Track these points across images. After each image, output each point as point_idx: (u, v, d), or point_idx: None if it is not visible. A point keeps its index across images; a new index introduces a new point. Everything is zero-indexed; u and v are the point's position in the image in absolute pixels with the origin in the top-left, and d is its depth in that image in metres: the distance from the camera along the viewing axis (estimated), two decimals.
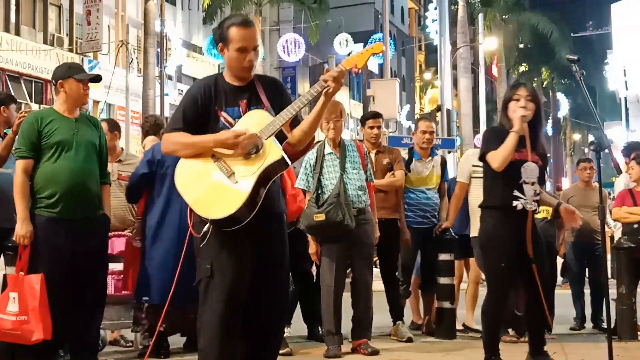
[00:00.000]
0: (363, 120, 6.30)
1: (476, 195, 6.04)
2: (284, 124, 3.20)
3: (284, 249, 3.38)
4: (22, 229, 4.25)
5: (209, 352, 3.20)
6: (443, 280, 6.13)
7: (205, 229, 3.19)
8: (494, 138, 4.37)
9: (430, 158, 6.31)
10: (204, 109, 3.29)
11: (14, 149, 4.74)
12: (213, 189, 3.18)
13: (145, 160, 5.25)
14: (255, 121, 3.21)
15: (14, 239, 4.41)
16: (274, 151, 3.14)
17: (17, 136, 4.72)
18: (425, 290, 6.42)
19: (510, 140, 4.23)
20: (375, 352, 5.10)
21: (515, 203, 4.29)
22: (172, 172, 5.34)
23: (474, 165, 6.11)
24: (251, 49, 3.27)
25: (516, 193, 4.29)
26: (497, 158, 4.26)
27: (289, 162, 3.19)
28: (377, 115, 6.25)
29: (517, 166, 4.29)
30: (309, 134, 3.33)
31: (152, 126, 6.03)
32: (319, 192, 5.22)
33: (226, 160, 3.18)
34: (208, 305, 3.20)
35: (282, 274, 3.37)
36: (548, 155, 4.90)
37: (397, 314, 5.96)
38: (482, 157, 4.41)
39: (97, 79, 4.63)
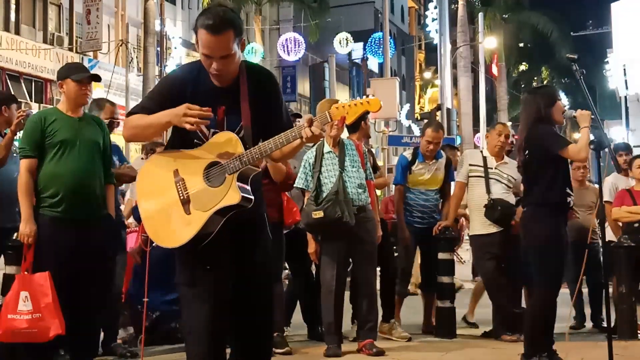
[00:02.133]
0: None
1: (474, 193, 6.08)
2: (253, 163, 2.89)
3: (264, 253, 3.12)
4: (26, 228, 4.25)
5: (196, 356, 3.00)
6: (443, 279, 6.14)
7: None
8: (557, 134, 4.59)
9: (434, 160, 6.26)
10: (176, 103, 2.88)
11: (18, 148, 4.74)
12: (165, 212, 2.94)
13: None
14: (225, 148, 2.89)
15: (14, 237, 4.43)
16: (232, 194, 2.85)
17: (18, 135, 4.72)
18: (425, 290, 6.43)
19: (587, 135, 4.45)
20: (381, 353, 5.10)
21: (568, 199, 4.50)
22: None
23: (471, 165, 6.13)
24: (217, 57, 2.86)
25: (568, 190, 4.51)
26: (584, 149, 4.45)
27: (252, 199, 2.90)
28: None
29: (567, 163, 4.56)
30: (287, 156, 3.16)
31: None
32: (318, 190, 5.23)
33: (186, 181, 2.91)
34: (191, 310, 2.99)
35: (262, 280, 3.12)
36: None
37: (390, 312, 5.94)
38: (554, 154, 4.49)
39: (94, 78, 4.61)
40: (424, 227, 6.18)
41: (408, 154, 6.29)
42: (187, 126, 2.81)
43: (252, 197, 2.91)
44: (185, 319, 3.06)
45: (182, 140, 2.97)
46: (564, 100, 44.03)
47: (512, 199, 5.97)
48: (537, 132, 4.55)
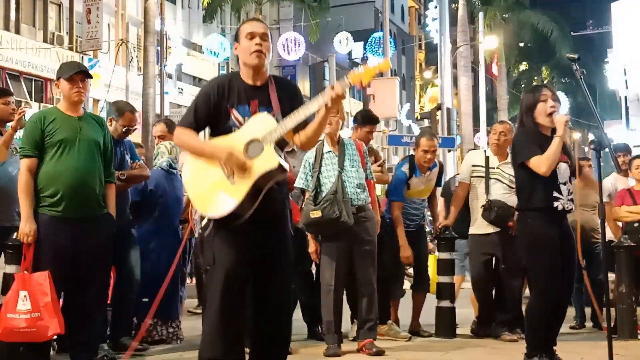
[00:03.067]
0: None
1: (475, 194, 6.09)
2: (286, 133, 3.36)
3: (283, 245, 3.55)
4: (25, 227, 4.24)
5: (209, 336, 3.41)
6: (443, 279, 6.14)
7: (204, 222, 3.45)
8: (530, 141, 4.42)
9: (429, 172, 6.20)
10: (215, 107, 3.48)
11: (18, 147, 4.73)
12: (212, 187, 3.38)
13: (138, 188, 5.43)
14: (260, 126, 3.37)
15: (14, 237, 4.42)
16: (271, 159, 3.31)
17: (18, 135, 4.72)
18: (415, 290, 6.39)
19: (557, 145, 4.32)
20: (381, 353, 5.09)
21: (555, 204, 4.40)
22: (162, 202, 5.61)
23: (473, 165, 6.13)
24: (258, 35, 3.50)
25: (555, 194, 4.40)
26: (545, 163, 4.32)
27: (287, 168, 3.37)
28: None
29: (554, 168, 4.39)
30: (313, 139, 3.53)
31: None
32: (318, 190, 5.23)
33: None
34: (211, 291, 3.41)
35: (283, 272, 3.53)
36: None
37: (385, 314, 5.93)
38: (522, 163, 4.42)
39: (85, 75, 4.52)
40: (412, 230, 6.19)
41: (405, 168, 6.15)
42: (225, 172, 3.36)
43: (287, 167, 3.36)
44: (207, 299, 3.49)
45: (222, 130, 3.47)
46: (564, 100, 44.10)
47: (513, 199, 5.95)
48: (514, 141, 4.58)
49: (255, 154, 3.32)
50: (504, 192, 5.96)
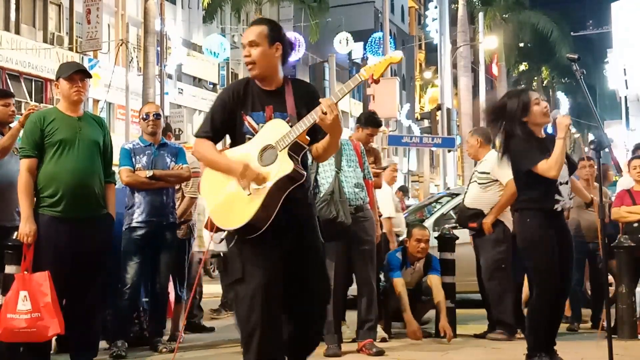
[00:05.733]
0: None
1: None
2: (298, 137, 3.26)
3: (314, 246, 3.45)
4: (25, 227, 4.25)
5: (249, 346, 3.30)
6: (444, 279, 6.14)
7: (224, 234, 3.36)
8: (530, 147, 4.42)
9: (417, 263, 6.19)
10: (230, 113, 3.41)
11: (18, 147, 4.74)
12: (229, 198, 3.31)
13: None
14: (274, 132, 3.29)
15: (14, 237, 4.42)
16: (285, 165, 3.23)
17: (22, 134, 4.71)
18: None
19: (561, 148, 4.33)
20: (381, 353, 5.10)
21: (556, 206, 4.43)
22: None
23: (478, 172, 6.21)
24: (245, 44, 3.40)
25: (557, 197, 4.43)
26: (554, 167, 4.33)
27: (303, 173, 3.28)
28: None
29: None
30: (329, 152, 3.46)
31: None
32: (315, 190, 5.23)
33: None
34: (240, 305, 3.32)
35: (317, 272, 3.46)
36: None
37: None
38: (528, 171, 4.40)
39: (84, 74, 4.54)
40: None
41: (399, 254, 6.18)
42: (242, 184, 3.26)
43: (304, 173, 3.28)
44: (238, 312, 3.38)
45: (239, 138, 3.41)
46: (564, 100, 44.14)
47: (487, 196, 6.01)
48: (511, 151, 4.52)
49: (270, 161, 3.26)
50: (478, 191, 6.11)
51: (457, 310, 6.26)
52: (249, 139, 3.37)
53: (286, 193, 3.24)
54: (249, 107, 3.40)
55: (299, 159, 3.29)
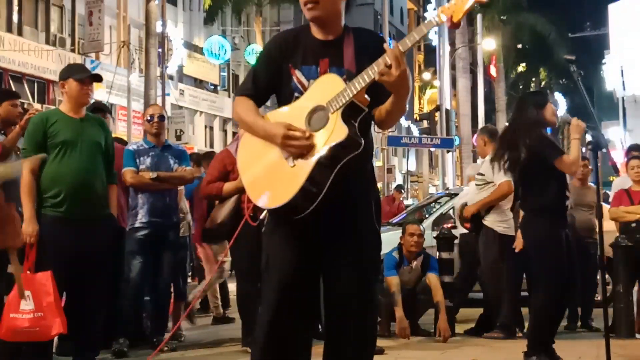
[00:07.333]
0: None
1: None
2: (355, 96, 2.59)
3: (362, 237, 2.74)
4: (28, 228, 4.27)
5: (257, 343, 2.81)
6: (443, 278, 6.21)
7: (262, 216, 2.86)
8: (552, 143, 4.68)
9: (414, 261, 6.24)
10: (277, 68, 2.80)
11: (21, 148, 4.78)
12: (268, 170, 2.69)
13: None
14: (326, 90, 2.64)
15: None
16: (339, 130, 2.56)
17: (24, 134, 4.76)
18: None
19: (579, 148, 4.56)
20: (380, 352, 5.11)
21: (567, 202, 4.62)
22: None
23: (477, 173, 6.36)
24: None
25: (567, 193, 4.64)
26: (575, 163, 4.58)
27: (361, 141, 2.58)
28: None
29: None
30: (394, 116, 2.75)
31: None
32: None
33: None
34: (263, 297, 2.81)
35: (359, 271, 2.74)
36: None
37: None
38: (550, 163, 4.55)
39: (96, 78, 4.64)
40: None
41: (395, 253, 6.25)
42: (284, 154, 2.64)
43: (362, 141, 2.58)
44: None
45: (286, 97, 2.79)
46: (562, 101, 44.22)
47: (482, 196, 6.15)
48: (536, 139, 4.59)
49: (320, 125, 2.60)
50: (475, 192, 6.29)
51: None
52: (297, 98, 2.73)
53: (339, 166, 2.55)
54: (299, 60, 2.76)
55: (356, 124, 2.60)
